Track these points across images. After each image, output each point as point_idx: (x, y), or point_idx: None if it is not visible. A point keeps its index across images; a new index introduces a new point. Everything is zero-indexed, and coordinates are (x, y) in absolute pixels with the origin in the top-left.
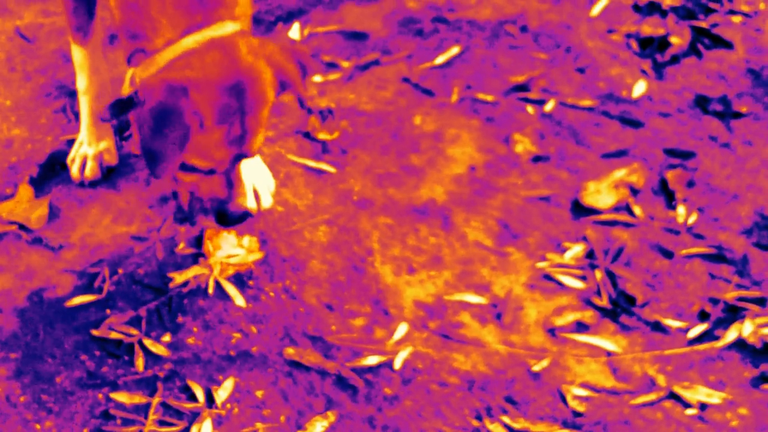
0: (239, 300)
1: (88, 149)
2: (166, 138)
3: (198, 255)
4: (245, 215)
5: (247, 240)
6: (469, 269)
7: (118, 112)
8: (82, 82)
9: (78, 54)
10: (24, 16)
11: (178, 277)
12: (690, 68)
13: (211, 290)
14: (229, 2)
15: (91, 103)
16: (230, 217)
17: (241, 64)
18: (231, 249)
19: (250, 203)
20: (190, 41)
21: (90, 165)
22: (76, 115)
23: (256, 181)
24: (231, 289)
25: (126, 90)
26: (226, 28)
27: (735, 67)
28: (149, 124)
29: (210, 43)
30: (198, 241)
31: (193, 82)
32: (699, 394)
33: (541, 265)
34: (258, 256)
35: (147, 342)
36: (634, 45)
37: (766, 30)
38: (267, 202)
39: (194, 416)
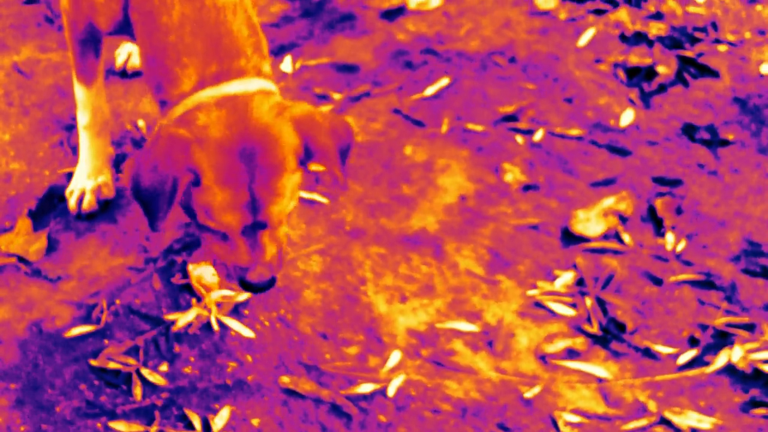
0: (246, 332)
1: (86, 182)
2: (155, 189)
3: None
4: (270, 283)
5: None
6: (461, 297)
7: None
8: (84, 119)
9: (81, 93)
10: (21, 52)
11: (180, 319)
12: (677, 97)
13: (216, 328)
14: (249, 53)
15: (91, 139)
16: (252, 287)
17: (252, 125)
18: (222, 288)
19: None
20: (204, 96)
21: (88, 198)
22: (74, 149)
23: None
24: (233, 324)
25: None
26: (249, 84)
27: (721, 95)
28: (145, 170)
29: (223, 99)
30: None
31: (196, 137)
32: (689, 419)
33: (531, 293)
34: (245, 296)
35: (145, 371)
36: (622, 74)
37: (751, 59)
38: None
39: None
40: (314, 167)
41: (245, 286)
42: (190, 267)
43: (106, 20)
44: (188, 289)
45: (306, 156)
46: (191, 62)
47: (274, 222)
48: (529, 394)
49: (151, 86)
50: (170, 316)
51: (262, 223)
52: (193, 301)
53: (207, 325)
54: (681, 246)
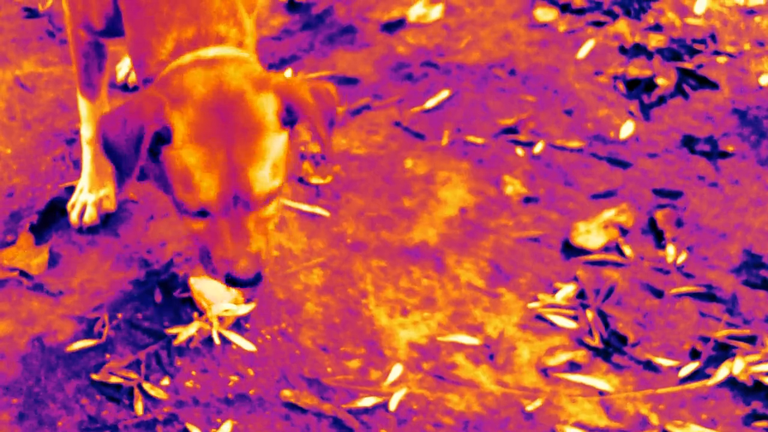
0: (247, 345)
1: (88, 196)
2: (122, 140)
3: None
4: (256, 279)
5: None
6: (462, 310)
7: None
8: (87, 133)
9: (85, 107)
10: (23, 66)
11: (182, 333)
12: (677, 109)
13: (217, 341)
14: (228, 18)
15: (94, 153)
16: (238, 282)
17: (229, 82)
18: (224, 302)
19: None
20: (182, 60)
21: (89, 211)
22: (75, 163)
23: None
24: (234, 337)
25: None
26: (228, 50)
27: (721, 107)
28: (112, 124)
29: (196, 60)
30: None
31: (170, 97)
32: None
33: (532, 305)
34: (251, 306)
35: (146, 386)
36: (621, 87)
37: (750, 70)
38: None
39: None
40: (309, 141)
41: (231, 281)
42: (192, 281)
43: (99, 16)
44: (190, 302)
45: (289, 116)
46: (169, 30)
47: (256, 196)
48: (530, 408)
49: (136, 70)
50: (172, 330)
51: (244, 197)
52: (195, 315)
53: (208, 339)
54: (682, 258)
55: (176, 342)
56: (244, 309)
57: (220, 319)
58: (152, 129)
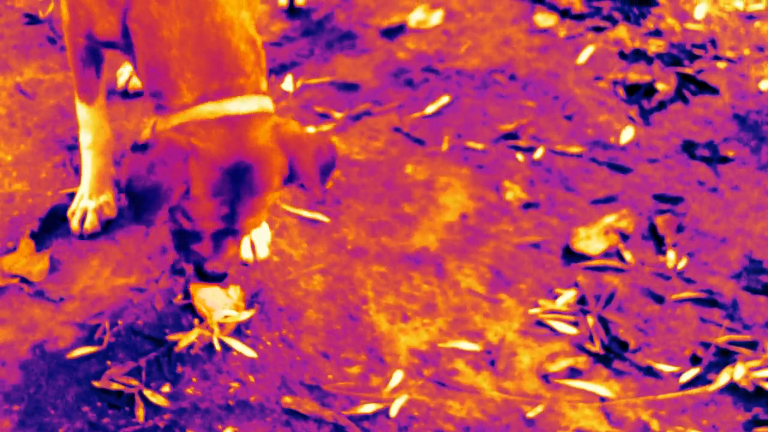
0: (248, 352)
1: (88, 202)
2: (147, 192)
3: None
4: (221, 277)
5: (232, 291)
6: (463, 316)
7: None
8: (86, 138)
9: (83, 112)
10: (24, 73)
11: (183, 340)
12: (677, 114)
13: (218, 348)
14: (249, 70)
15: (94, 158)
16: (206, 276)
17: (247, 146)
18: (224, 309)
19: (245, 254)
20: (204, 110)
21: (90, 218)
22: (76, 169)
23: (253, 232)
24: (235, 344)
25: (146, 135)
26: (248, 103)
27: (721, 112)
28: (142, 171)
29: (223, 118)
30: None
31: (194, 151)
32: None
33: (533, 311)
34: (252, 312)
35: (147, 392)
36: (621, 92)
37: (750, 75)
38: (263, 252)
39: None
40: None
41: (199, 273)
42: (192, 287)
43: (103, 31)
44: (190, 309)
45: (290, 175)
46: (194, 77)
47: (246, 231)
48: (531, 414)
49: (149, 91)
50: (173, 337)
51: (235, 231)
52: (196, 321)
53: (209, 346)
54: (682, 263)
55: (177, 348)
56: (245, 315)
57: (221, 325)
58: (180, 191)
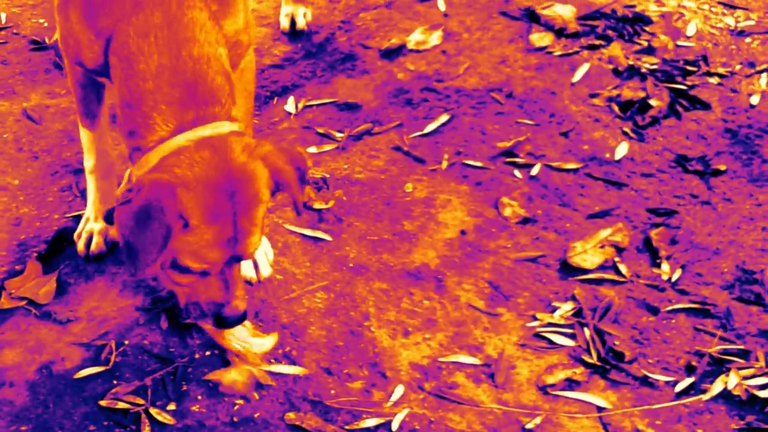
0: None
1: (94, 225)
2: (146, 237)
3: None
4: (243, 317)
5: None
6: (462, 331)
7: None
8: (89, 163)
9: (86, 137)
10: (31, 99)
11: (225, 376)
12: (670, 129)
13: (269, 381)
14: (223, 101)
15: (97, 182)
16: (227, 321)
17: (232, 164)
18: (256, 339)
19: (249, 273)
20: (182, 139)
21: (96, 240)
22: (82, 193)
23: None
24: (280, 368)
25: (122, 189)
26: (221, 127)
27: (713, 126)
28: (132, 222)
29: (201, 141)
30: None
31: (181, 181)
32: None
33: (531, 324)
34: (274, 339)
35: (153, 411)
36: (616, 108)
37: (741, 90)
38: (266, 271)
39: None
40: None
41: (220, 321)
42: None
43: (89, 60)
44: (195, 328)
45: (275, 187)
46: (169, 110)
47: (249, 254)
48: (530, 425)
49: (124, 132)
50: (213, 376)
51: (239, 257)
52: (235, 359)
53: (214, 363)
54: (676, 275)
55: (222, 387)
56: (270, 342)
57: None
58: (179, 226)
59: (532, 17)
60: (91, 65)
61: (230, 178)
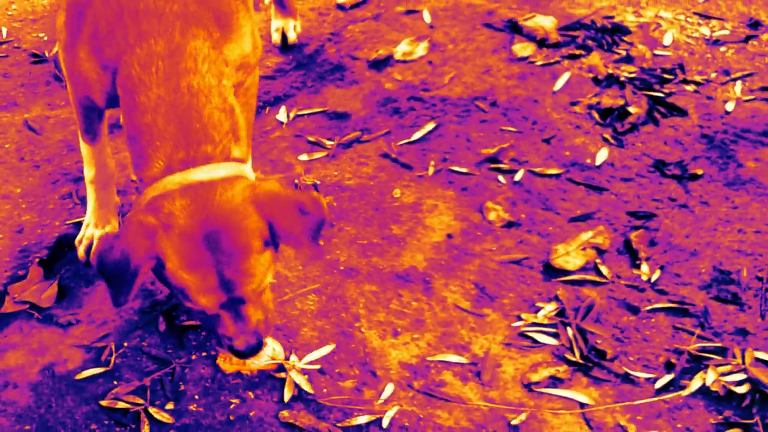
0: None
1: (94, 231)
2: (119, 273)
3: (197, 327)
4: (257, 348)
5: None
6: (450, 331)
7: None
8: (89, 173)
9: (86, 150)
10: (32, 110)
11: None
12: (648, 135)
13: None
14: (218, 139)
15: (97, 192)
16: (239, 354)
17: (214, 213)
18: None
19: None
20: (170, 181)
21: (95, 246)
22: (82, 200)
23: None
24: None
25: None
26: (216, 170)
27: (690, 132)
28: (109, 252)
29: (188, 187)
30: None
31: (162, 223)
32: None
33: (516, 324)
34: (281, 358)
35: (152, 410)
36: (596, 115)
37: (717, 97)
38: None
39: None
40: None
41: (234, 353)
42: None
43: (99, 97)
44: (192, 330)
45: (273, 236)
46: (162, 146)
47: (251, 298)
48: (516, 422)
49: (132, 160)
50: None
51: (238, 299)
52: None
53: (210, 364)
54: (655, 276)
55: (179, 368)
56: (264, 359)
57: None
58: (147, 267)
59: (514, 28)
60: (102, 103)
61: (211, 228)
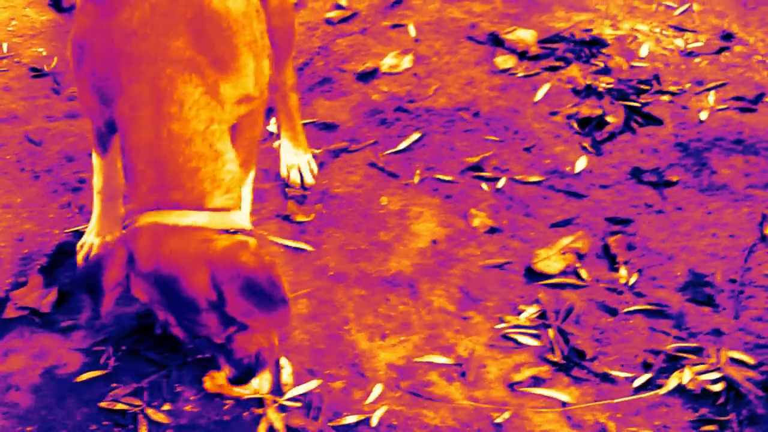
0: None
1: (95, 239)
2: (93, 290)
3: None
4: (250, 374)
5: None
6: (435, 333)
7: None
8: (97, 184)
9: (97, 162)
10: (32, 122)
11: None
12: (625, 144)
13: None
14: (189, 186)
15: (102, 202)
16: (233, 381)
17: (165, 262)
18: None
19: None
20: (141, 221)
21: (94, 253)
22: (80, 209)
23: None
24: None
25: None
26: (184, 218)
27: (665, 141)
28: (88, 273)
29: (154, 228)
30: None
31: (130, 257)
32: None
33: (499, 326)
34: (264, 392)
35: (149, 411)
36: (575, 125)
37: (691, 107)
38: (309, 179)
39: None
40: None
41: (229, 381)
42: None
43: (103, 124)
44: None
45: (221, 302)
46: (140, 188)
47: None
48: (499, 420)
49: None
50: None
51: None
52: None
53: (207, 365)
54: (633, 279)
55: (176, 370)
56: (265, 383)
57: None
58: (115, 291)
59: (496, 41)
60: (105, 129)
61: (162, 275)
